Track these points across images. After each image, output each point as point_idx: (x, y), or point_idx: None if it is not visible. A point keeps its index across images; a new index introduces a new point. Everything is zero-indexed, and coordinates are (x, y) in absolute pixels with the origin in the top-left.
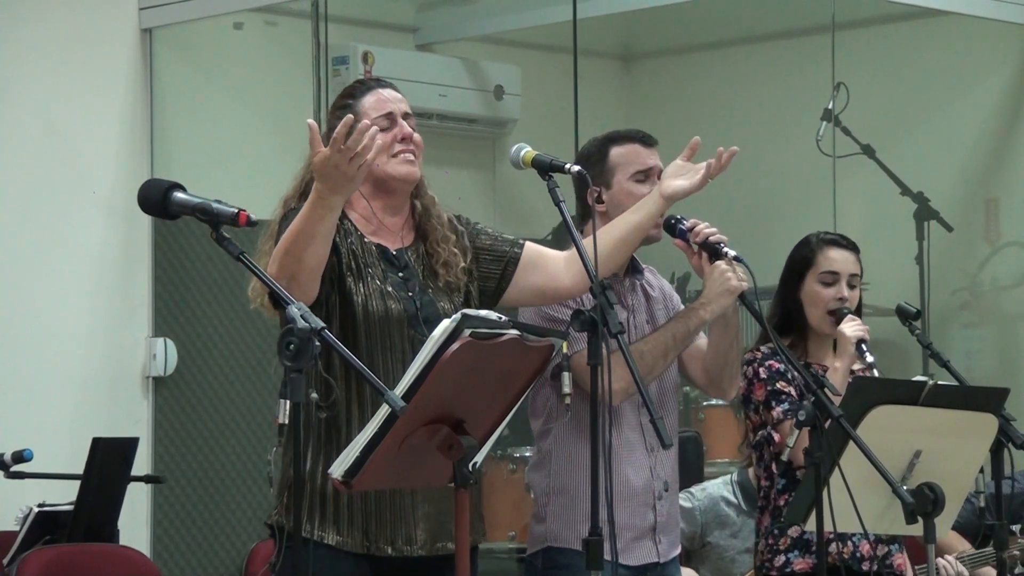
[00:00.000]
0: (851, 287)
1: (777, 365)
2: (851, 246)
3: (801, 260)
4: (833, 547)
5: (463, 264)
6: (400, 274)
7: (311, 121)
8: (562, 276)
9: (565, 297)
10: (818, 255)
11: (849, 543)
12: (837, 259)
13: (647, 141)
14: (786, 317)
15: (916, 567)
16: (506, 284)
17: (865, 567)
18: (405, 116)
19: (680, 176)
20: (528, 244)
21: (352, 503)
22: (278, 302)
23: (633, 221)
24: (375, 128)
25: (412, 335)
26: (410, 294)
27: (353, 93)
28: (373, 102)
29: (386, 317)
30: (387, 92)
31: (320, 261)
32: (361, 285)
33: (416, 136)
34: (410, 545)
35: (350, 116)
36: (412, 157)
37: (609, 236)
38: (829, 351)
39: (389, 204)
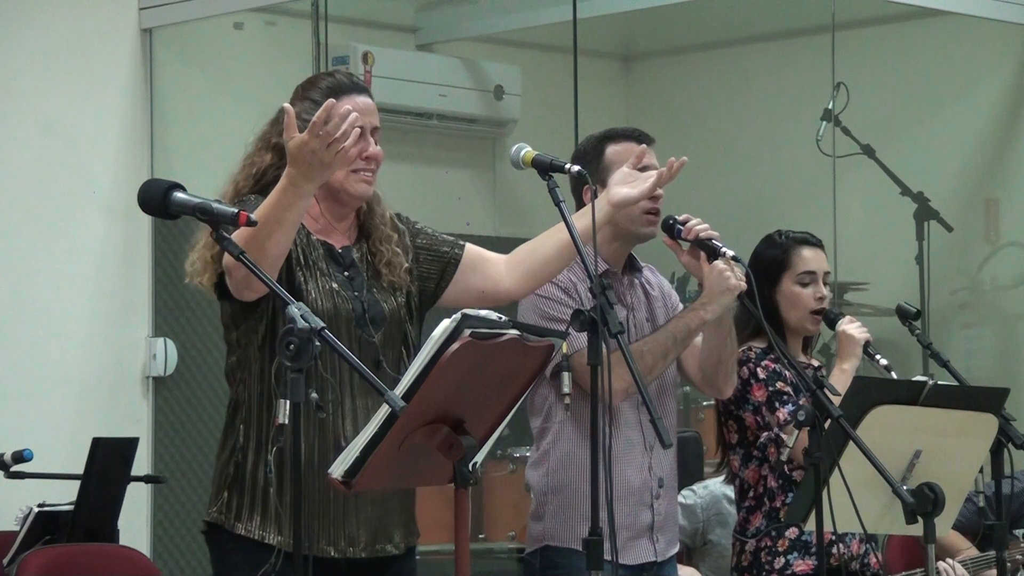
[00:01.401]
0: (825, 284)
1: (773, 365)
2: (820, 244)
3: (774, 262)
4: (836, 548)
5: (405, 264)
6: (345, 273)
7: (287, 105)
8: (503, 279)
9: (506, 300)
10: (792, 256)
11: (844, 543)
12: (812, 258)
13: (643, 139)
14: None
15: (918, 570)
16: (445, 285)
17: (854, 567)
18: (374, 131)
19: (628, 183)
20: (469, 246)
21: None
22: (224, 292)
23: (578, 226)
24: (355, 114)
25: (359, 335)
26: (356, 293)
27: (331, 91)
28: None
29: (335, 316)
30: (361, 101)
31: (283, 251)
32: (311, 283)
33: (379, 153)
34: (352, 547)
35: (331, 100)
36: (371, 176)
37: (552, 240)
38: (800, 351)
39: (338, 210)
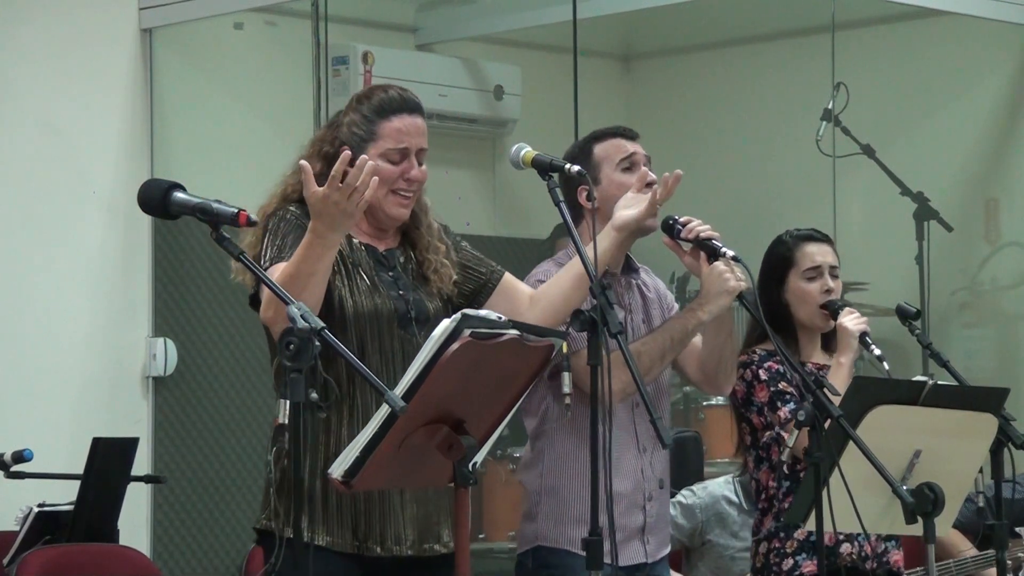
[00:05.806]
0: (834, 277)
1: (776, 366)
2: (825, 238)
3: (780, 260)
4: (844, 547)
5: (454, 276)
6: (390, 273)
7: (304, 163)
8: (525, 312)
9: None
10: (796, 253)
11: (855, 543)
12: (816, 253)
13: (628, 134)
14: (771, 319)
15: (918, 569)
16: (477, 306)
17: (869, 566)
18: (420, 152)
19: (630, 207)
20: (507, 275)
21: (342, 503)
22: (257, 302)
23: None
24: (372, 164)
25: (403, 335)
26: (401, 292)
27: (382, 108)
28: (394, 130)
29: (375, 314)
30: (410, 121)
31: (318, 299)
32: (349, 283)
33: (422, 175)
34: (399, 545)
35: (348, 152)
36: (408, 198)
37: (569, 274)
38: (818, 348)
39: (378, 225)
